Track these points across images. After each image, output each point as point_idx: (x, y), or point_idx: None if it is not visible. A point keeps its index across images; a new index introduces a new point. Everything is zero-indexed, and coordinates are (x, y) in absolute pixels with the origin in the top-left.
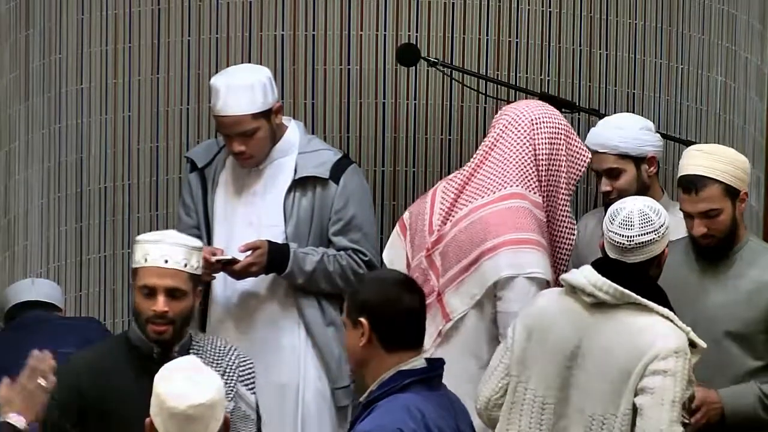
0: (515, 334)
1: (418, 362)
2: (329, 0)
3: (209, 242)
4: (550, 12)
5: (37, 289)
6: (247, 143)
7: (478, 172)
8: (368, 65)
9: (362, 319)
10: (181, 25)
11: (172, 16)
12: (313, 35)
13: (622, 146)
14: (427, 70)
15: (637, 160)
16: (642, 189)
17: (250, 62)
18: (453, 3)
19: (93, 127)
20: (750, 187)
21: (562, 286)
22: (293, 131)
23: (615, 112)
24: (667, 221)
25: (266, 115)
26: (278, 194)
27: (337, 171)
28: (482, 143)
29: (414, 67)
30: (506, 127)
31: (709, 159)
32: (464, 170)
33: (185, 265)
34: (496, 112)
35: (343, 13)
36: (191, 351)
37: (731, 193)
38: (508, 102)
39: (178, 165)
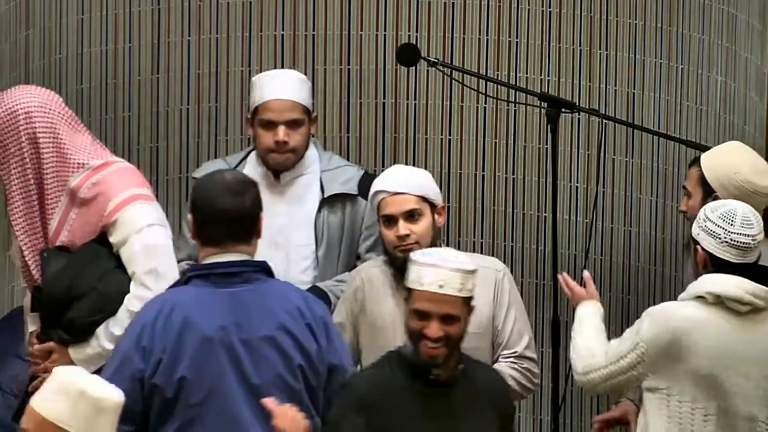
0: (654, 339)
1: (215, 258)
2: (329, 0)
3: None
4: (550, 12)
5: None
6: (291, 136)
7: None
8: (368, 65)
9: (189, 215)
10: (181, 25)
11: (172, 16)
12: (313, 35)
13: None
14: (427, 70)
15: None
16: None
17: (250, 62)
18: (453, 3)
19: (93, 127)
20: None
21: None
22: (312, 148)
23: (615, 112)
24: None
25: (308, 114)
26: (307, 214)
27: (365, 187)
28: None
29: (414, 67)
30: None
31: None
32: None
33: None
34: (496, 112)
35: (343, 13)
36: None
37: None
38: (508, 102)
39: (178, 165)
